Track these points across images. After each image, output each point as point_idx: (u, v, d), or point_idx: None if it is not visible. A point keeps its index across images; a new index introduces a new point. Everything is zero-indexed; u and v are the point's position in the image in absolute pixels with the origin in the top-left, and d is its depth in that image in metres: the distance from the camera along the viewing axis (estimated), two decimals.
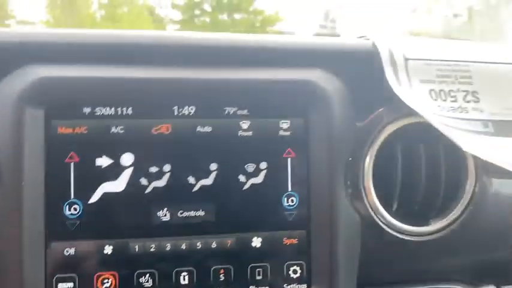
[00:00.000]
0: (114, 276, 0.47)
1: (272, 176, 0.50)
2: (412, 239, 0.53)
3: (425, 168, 0.53)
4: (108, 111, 0.48)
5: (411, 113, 0.51)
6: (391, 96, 0.51)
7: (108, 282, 0.47)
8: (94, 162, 0.47)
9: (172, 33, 0.51)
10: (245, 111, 0.50)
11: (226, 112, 0.50)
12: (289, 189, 0.51)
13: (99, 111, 0.48)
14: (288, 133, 0.51)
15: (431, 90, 0.52)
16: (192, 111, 0.49)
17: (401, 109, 0.51)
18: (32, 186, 0.45)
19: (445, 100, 0.52)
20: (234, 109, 0.50)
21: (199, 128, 0.49)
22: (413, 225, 0.53)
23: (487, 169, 0.53)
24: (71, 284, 0.46)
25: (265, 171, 0.50)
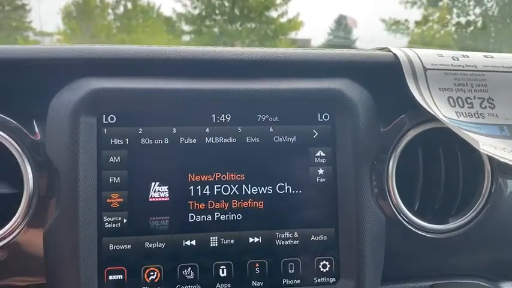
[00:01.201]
0: (159, 269, 0.51)
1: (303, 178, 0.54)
2: (433, 236, 0.56)
3: (444, 170, 0.57)
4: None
5: (431, 118, 0.55)
6: (412, 103, 0.55)
7: (154, 274, 0.51)
8: (143, 166, 0.52)
9: (210, 48, 0.55)
10: (276, 118, 0.54)
11: (259, 119, 0.54)
12: (319, 190, 0.54)
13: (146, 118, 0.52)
14: (316, 139, 0.55)
15: (449, 97, 0.56)
16: (229, 119, 0.54)
17: (422, 115, 0.55)
18: (86, 187, 0.50)
19: (462, 106, 0.55)
20: (266, 116, 0.54)
21: (239, 135, 0.53)
22: (433, 224, 0.56)
23: (503, 170, 0.57)
24: (120, 276, 0.51)
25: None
